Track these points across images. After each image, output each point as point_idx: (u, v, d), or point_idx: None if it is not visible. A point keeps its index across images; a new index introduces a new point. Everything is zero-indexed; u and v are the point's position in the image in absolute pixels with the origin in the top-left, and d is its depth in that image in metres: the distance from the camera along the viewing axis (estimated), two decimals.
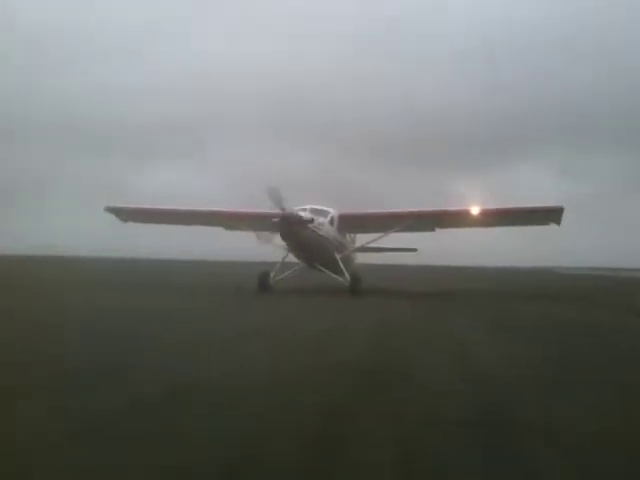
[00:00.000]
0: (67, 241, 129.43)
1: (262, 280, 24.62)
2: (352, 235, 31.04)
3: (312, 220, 23.15)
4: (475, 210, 24.92)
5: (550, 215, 25.06)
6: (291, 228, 22.62)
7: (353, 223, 27.19)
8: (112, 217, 29.71)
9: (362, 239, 30.75)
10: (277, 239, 24.63)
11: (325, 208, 25.75)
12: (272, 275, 25.05)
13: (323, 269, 25.87)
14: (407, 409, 5.61)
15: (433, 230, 28.22)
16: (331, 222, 25.40)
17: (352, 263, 29.75)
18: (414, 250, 39.48)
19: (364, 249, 34.17)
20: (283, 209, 22.43)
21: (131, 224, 30.69)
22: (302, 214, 22.95)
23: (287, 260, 26.36)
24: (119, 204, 29.58)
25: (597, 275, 77.89)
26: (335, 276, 25.55)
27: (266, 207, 23.36)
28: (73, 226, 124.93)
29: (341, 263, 25.29)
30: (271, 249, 26.41)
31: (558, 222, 25.01)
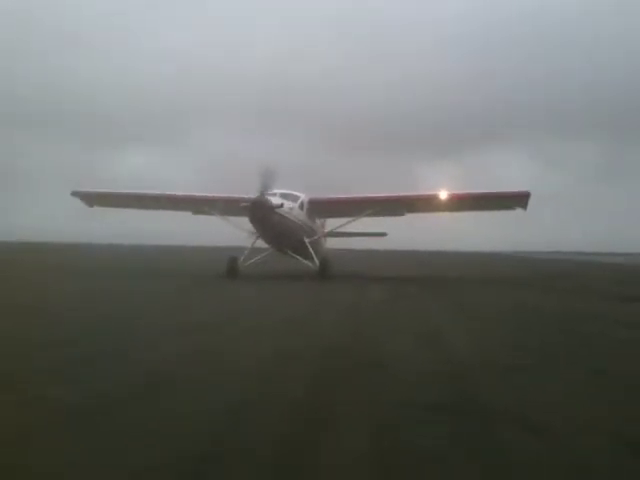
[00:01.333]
0: (39, 227, 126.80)
1: (231, 265, 24.46)
2: (322, 220, 31.06)
3: (281, 205, 23.01)
4: (444, 195, 25.08)
5: (517, 200, 25.34)
6: (260, 213, 22.46)
7: (323, 208, 27.17)
8: (79, 202, 29.27)
9: (333, 224, 30.63)
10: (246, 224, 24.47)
11: (295, 193, 25.64)
12: (241, 260, 24.90)
13: (292, 254, 25.82)
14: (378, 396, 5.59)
15: (403, 214, 28.32)
16: (301, 207, 25.32)
17: (322, 248, 29.75)
18: (384, 234, 39.61)
19: (334, 234, 34.27)
20: (260, 194, 22.24)
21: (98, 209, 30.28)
22: (271, 199, 22.77)
23: (257, 245, 26.22)
24: (85, 189, 29.08)
25: (557, 259, 79.51)
26: (304, 261, 25.52)
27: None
28: (46, 212, 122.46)
29: (310, 248, 25.27)
30: (241, 234, 26.23)
31: (524, 207, 25.31)
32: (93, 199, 29.40)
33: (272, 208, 22.58)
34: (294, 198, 25.08)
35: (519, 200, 25.27)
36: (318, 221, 29.24)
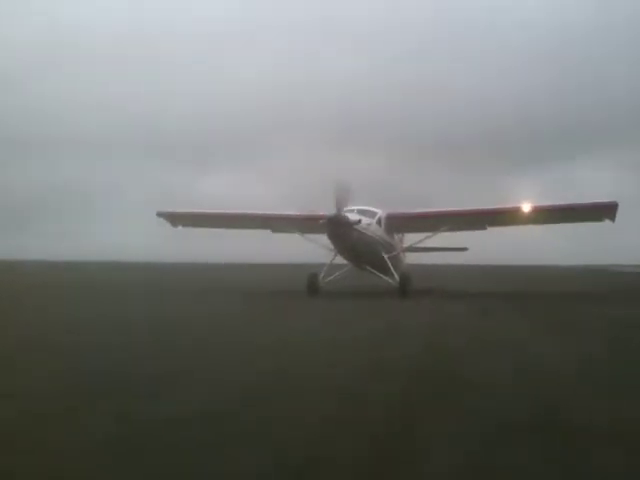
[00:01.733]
0: (123, 247, 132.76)
1: (311, 282, 24.60)
2: (400, 235, 30.83)
3: (359, 221, 23.01)
4: (526, 207, 24.36)
5: (604, 211, 24.26)
6: (338, 230, 22.54)
7: (401, 223, 26.97)
8: (164, 222, 30.40)
9: (413, 239, 30.28)
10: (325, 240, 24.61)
11: (372, 209, 25.59)
12: (321, 277, 25.03)
13: (371, 270, 25.72)
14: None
15: (484, 229, 27.73)
16: (378, 223, 25.24)
17: (401, 263, 29.45)
18: (465, 249, 38.88)
19: (413, 249, 33.94)
20: (337, 211, 22.34)
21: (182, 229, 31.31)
22: (349, 215, 22.84)
23: (335, 262, 26.30)
24: (169, 209, 30.15)
25: None
26: (384, 277, 25.38)
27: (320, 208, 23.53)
28: (131, 232, 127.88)
29: (389, 263, 25.10)
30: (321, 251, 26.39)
31: (613, 218, 24.19)
32: (177, 219, 30.39)
33: (350, 224, 22.61)
34: (371, 214, 25.03)
35: (607, 211, 24.17)
36: (397, 236, 29.03)
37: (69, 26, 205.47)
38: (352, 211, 24.17)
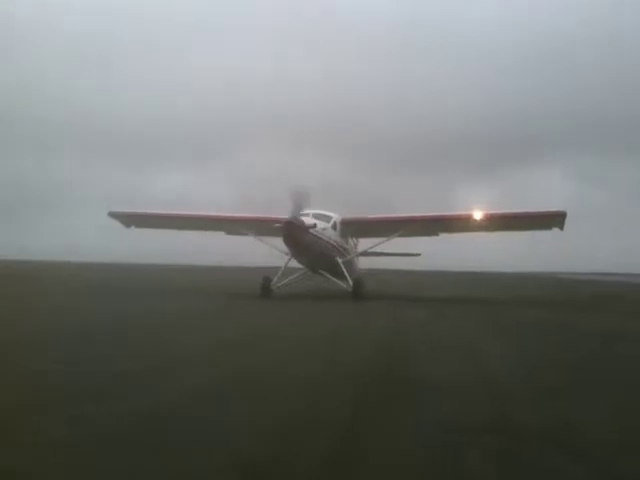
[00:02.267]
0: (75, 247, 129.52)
1: (264, 286, 24.53)
2: (355, 240, 31.01)
3: (314, 225, 23.06)
4: (478, 215, 24.82)
5: (553, 220, 24.93)
6: (293, 233, 22.51)
7: (356, 228, 27.18)
8: (116, 222, 29.84)
9: (366, 244, 30.50)
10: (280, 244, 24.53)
11: (328, 213, 25.68)
12: (274, 280, 24.96)
13: (326, 274, 25.76)
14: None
15: (437, 234, 28.17)
16: (334, 227, 25.34)
17: (355, 268, 29.63)
18: (417, 255, 39.39)
19: (367, 254, 34.17)
20: (293, 215, 22.30)
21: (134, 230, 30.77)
22: (304, 219, 22.84)
23: (291, 265, 26.26)
24: (122, 209, 29.61)
25: (601, 280, 77.70)
26: (338, 281, 25.43)
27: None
28: (80, 232, 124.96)
29: (344, 268, 25.20)
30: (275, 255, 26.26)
31: (561, 227, 24.91)
32: (129, 220, 29.90)
33: (305, 228, 22.64)
34: (327, 218, 25.11)
35: (555, 220, 24.86)
36: (351, 241, 29.21)
37: (22, 19, 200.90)
38: (308, 215, 24.22)
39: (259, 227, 25.46)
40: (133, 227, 30.63)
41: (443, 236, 28.48)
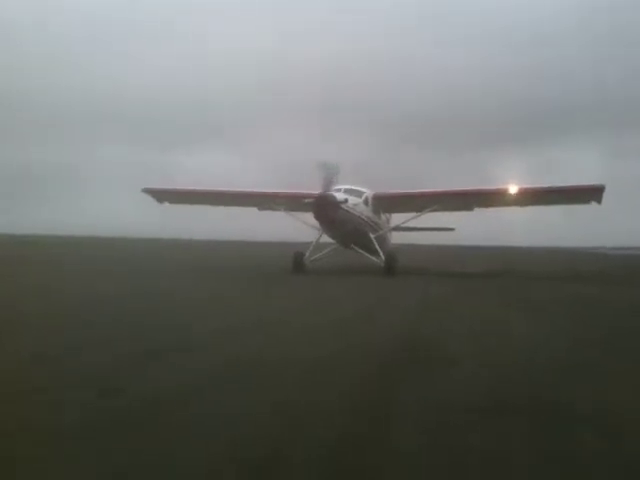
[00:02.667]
0: (107, 222, 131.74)
1: (297, 261, 24.57)
2: (387, 215, 30.76)
3: (346, 200, 22.86)
4: (514, 189, 24.30)
5: (591, 194, 24.25)
6: (325, 209, 22.36)
7: (388, 203, 26.88)
8: (150, 198, 30.14)
9: (399, 219, 30.14)
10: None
11: (359, 188, 25.43)
12: (307, 255, 24.95)
13: (358, 249, 25.61)
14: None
15: (471, 210, 27.68)
16: (365, 202, 25.10)
17: (387, 243, 29.33)
18: (451, 229, 38.90)
19: (401, 228, 33.89)
20: (325, 190, 22.16)
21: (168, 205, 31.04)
22: (336, 194, 22.66)
23: (322, 240, 26.20)
24: (155, 186, 29.87)
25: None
26: (370, 256, 25.27)
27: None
28: (114, 208, 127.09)
29: (376, 243, 25.00)
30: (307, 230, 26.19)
31: (599, 201, 24.23)
32: (163, 196, 30.14)
33: (337, 204, 22.45)
34: (358, 194, 24.88)
35: (593, 194, 24.17)
36: (384, 216, 28.92)
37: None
38: (339, 190, 24.05)
39: (291, 203, 25.36)
40: (166, 203, 30.96)
41: (478, 211, 27.91)
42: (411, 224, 29.46)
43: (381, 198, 26.17)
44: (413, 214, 27.50)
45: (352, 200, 23.73)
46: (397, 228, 31.27)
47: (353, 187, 25.12)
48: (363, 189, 25.55)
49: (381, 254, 24.66)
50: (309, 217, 24.59)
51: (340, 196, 22.74)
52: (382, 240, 27.56)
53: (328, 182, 21.91)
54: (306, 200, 22.54)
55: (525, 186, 24.83)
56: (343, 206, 22.72)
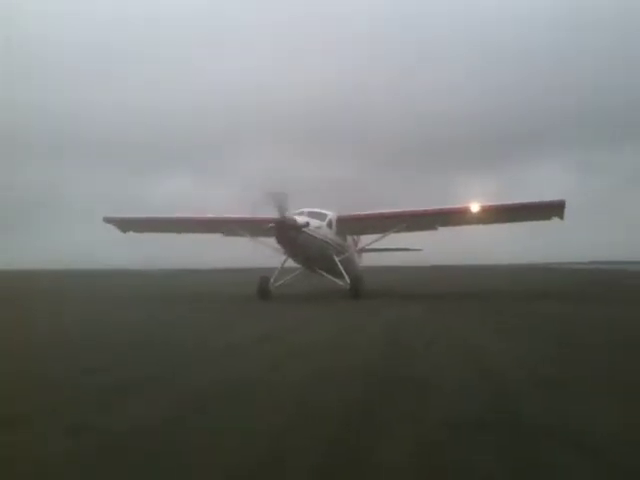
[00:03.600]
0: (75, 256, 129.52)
1: (262, 286, 24.28)
2: (355, 237, 30.74)
3: (307, 224, 22.71)
4: (476, 207, 24.42)
5: (553, 210, 24.47)
6: (286, 233, 22.19)
7: (352, 225, 26.79)
8: (113, 228, 29.68)
9: (367, 241, 30.22)
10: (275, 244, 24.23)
11: (323, 211, 25.36)
12: (272, 281, 24.69)
13: (323, 273, 25.44)
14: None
15: (435, 229, 27.75)
16: (329, 225, 25.01)
17: (354, 266, 29.20)
18: (419, 250, 39.11)
19: (366, 250, 33.91)
20: (282, 215, 21.98)
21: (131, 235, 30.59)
22: (297, 218, 22.53)
23: (288, 265, 25.97)
24: (118, 215, 29.46)
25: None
26: (335, 279, 25.10)
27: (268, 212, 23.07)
28: (83, 240, 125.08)
29: (340, 266, 24.85)
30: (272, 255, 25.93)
31: (561, 216, 24.45)
32: (126, 225, 29.71)
33: (298, 227, 22.31)
34: (322, 216, 24.78)
35: (555, 210, 24.39)
36: (350, 238, 28.87)
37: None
38: (302, 214, 23.97)
39: (254, 228, 25.11)
40: (131, 232, 30.54)
41: (444, 231, 28.02)
42: (376, 245, 29.45)
43: (345, 220, 26.09)
44: (379, 235, 27.46)
45: (314, 223, 23.61)
46: (363, 250, 31.30)
47: (315, 210, 25.04)
48: (327, 211, 25.48)
49: (346, 277, 24.49)
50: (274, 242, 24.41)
51: (301, 219, 22.62)
52: (348, 262, 27.44)
53: (282, 208, 21.70)
54: (268, 225, 22.34)
55: (486, 204, 24.98)
56: (305, 230, 22.58)
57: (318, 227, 23.82)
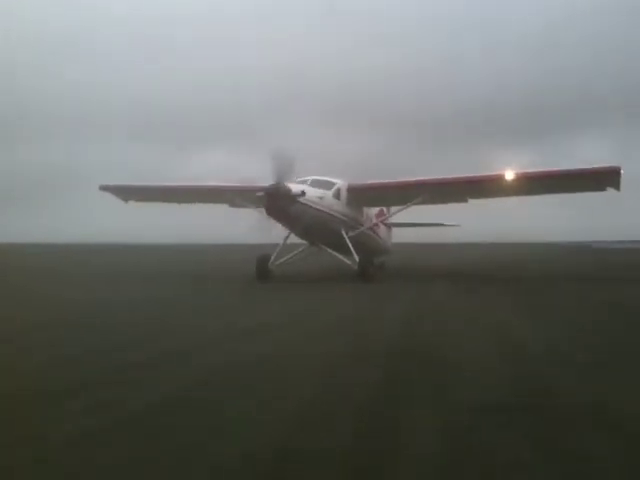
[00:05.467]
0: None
1: (261, 266, 21.22)
2: (387, 210, 27.13)
3: (302, 193, 19.14)
4: (511, 175, 20.36)
5: (607, 178, 20.08)
6: (277, 203, 18.70)
7: (367, 195, 22.99)
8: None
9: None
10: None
11: (330, 179, 21.83)
12: (272, 259, 21.49)
13: (329, 250, 21.91)
14: None
15: (465, 201, 23.74)
16: (336, 195, 21.43)
17: (374, 242, 25.44)
18: (456, 225, 34.99)
19: (395, 225, 30.40)
20: (275, 182, 18.60)
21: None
22: (292, 186, 19.01)
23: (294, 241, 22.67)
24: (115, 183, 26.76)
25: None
26: (343, 257, 21.52)
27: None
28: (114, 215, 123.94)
29: (349, 242, 21.22)
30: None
31: (617, 186, 20.11)
32: (124, 193, 27.00)
33: (292, 197, 18.80)
34: (327, 185, 21.27)
35: (609, 178, 20.00)
36: (369, 210, 25.04)
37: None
38: (305, 182, 20.60)
39: (242, 197, 21.80)
40: (132, 202, 27.81)
41: (475, 204, 23.98)
42: (398, 220, 25.85)
43: (358, 190, 22.43)
44: (398, 207, 23.84)
45: (316, 193, 20.13)
46: (395, 224, 28.17)
47: (321, 178, 21.58)
48: (335, 180, 21.91)
49: (355, 256, 20.88)
50: None
51: (296, 187, 19.08)
52: (367, 239, 23.94)
53: (281, 174, 18.27)
54: (257, 194, 18.98)
55: (526, 171, 20.87)
56: (300, 199, 19.03)
57: (320, 197, 20.27)
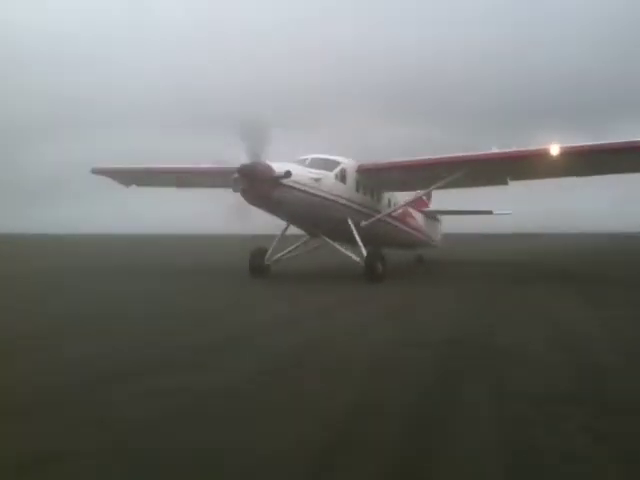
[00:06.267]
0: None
1: (254, 261, 18.22)
2: (425, 197, 23.54)
3: (288, 173, 15.41)
4: (555, 150, 16.05)
5: None
6: (255, 186, 15.14)
7: (384, 177, 19.06)
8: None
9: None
10: None
11: (334, 158, 18.08)
12: (268, 254, 18.23)
13: (330, 242, 18.24)
14: None
15: (505, 183, 19.44)
16: (339, 177, 17.61)
17: (397, 235, 21.63)
18: (507, 213, 30.60)
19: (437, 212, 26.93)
20: (253, 159, 15.11)
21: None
22: (274, 165, 15.32)
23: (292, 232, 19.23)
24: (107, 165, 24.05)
25: None
26: (351, 253, 17.80)
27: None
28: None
29: (357, 234, 17.47)
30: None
31: None
32: (122, 177, 24.33)
33: (274, 178, 15.14)
34: (330, 165, 17.52)
35: None
36: (393, 196, 21.16)
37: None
38: (304, 161, 17.10)
39: (217, 180, 18.53)
40: (134, 186, 25.08)
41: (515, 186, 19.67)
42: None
43: (372, 171, 18.59)
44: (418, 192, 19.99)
45: (310, 174, 16.43)
46: (437, 211, 24.85)
47: (324, 157, 17.92)
48: (341, 159, 18.12)
49: (363, 250, 17.10)
50: None
51: (279, 166, 15.37)
52: (388, 230, 20.31)
53: (256, 148, 14.72)
54: (233, 176, 15.47)
55: (577, 145, 16.47)
56: (284, 181, 15.32)
57: (316, 179, 16.52)
